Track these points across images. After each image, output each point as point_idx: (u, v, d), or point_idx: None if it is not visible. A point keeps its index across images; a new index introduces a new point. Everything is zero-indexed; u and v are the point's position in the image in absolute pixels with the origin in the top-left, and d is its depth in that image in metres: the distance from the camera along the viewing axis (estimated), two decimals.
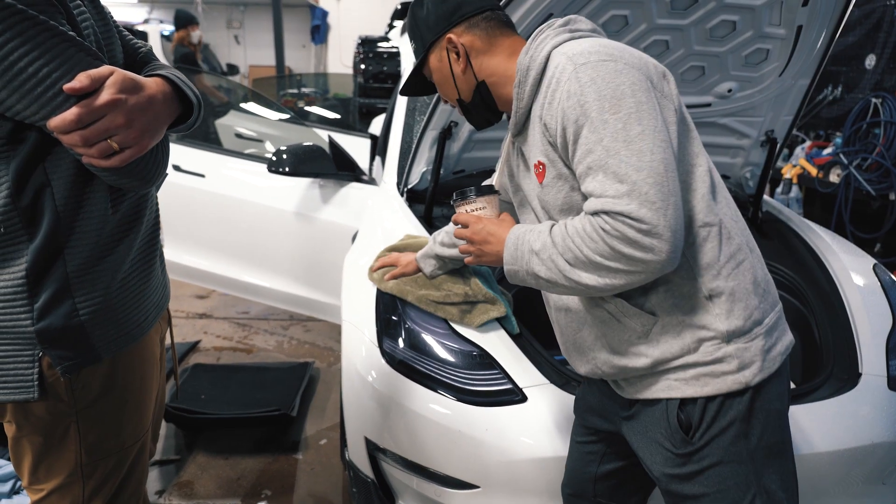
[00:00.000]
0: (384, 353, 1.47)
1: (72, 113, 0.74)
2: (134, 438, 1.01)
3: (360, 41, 5.72)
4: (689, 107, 1.94)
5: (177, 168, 2.73)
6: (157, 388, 1.07)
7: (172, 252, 2.82)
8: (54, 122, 0.75)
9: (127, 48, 0.98)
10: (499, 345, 1.41)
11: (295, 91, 6.90)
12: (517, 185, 1.12)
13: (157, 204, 1.05)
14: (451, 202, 1.10)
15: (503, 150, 1.19)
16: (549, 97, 0.94)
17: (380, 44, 5.36)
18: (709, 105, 1.92)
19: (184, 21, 4.99)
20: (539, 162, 0.99)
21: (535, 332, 1.49)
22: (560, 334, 1.14)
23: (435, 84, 1.15)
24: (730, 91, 1.87)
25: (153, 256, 1.01)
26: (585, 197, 0.90)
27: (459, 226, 1.08)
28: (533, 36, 1.01)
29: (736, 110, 1.96)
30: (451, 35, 1.06)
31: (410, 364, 1.42)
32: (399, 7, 6.40)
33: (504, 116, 1.15)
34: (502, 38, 1.07)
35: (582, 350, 1.08)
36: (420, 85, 1.19)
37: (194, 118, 0.96)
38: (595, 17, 1.61)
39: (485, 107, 1.10)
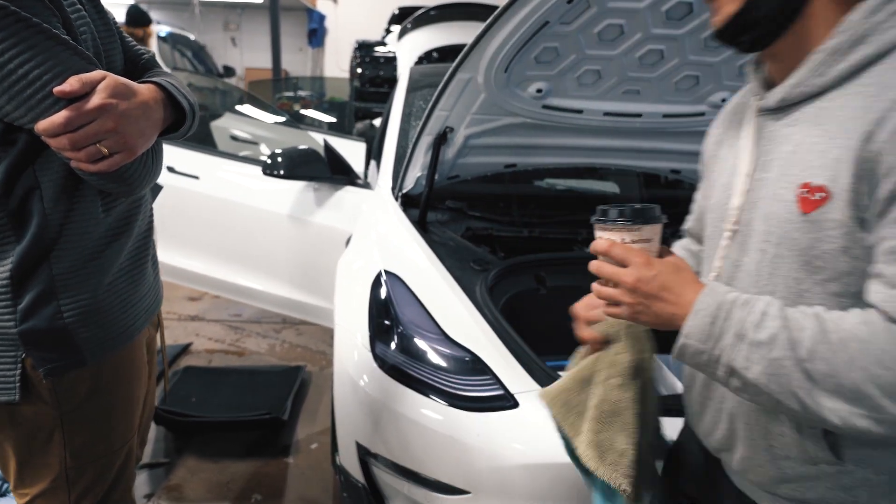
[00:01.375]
0: (376, 358, 1.47)
1: (60, 116, 0.74)
2: (121, 443, 1.00)
3: (356, 45, 5.73)
4: (682, 116, 1.96)
5: (171, 169, 2.72)
6: (145, 393, 1.06)
7: (165, 253, 2.80)
8: (42, 125, 0.75)
9: (129, 53, 0.98)
10: (491, 350, 1.41)
11: (291, 94, 6.90)
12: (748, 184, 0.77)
13: (151, 209, 1.04)
14: (594, 221, 0.79)
15: (713, 138, 0.88)
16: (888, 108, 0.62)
17: (376, 48, 5.36)
18: (703, 114, 1.93)
19: (145, 20, 4.83)
20: (820, 186, 0.66)
21: (526, 337, 1.49)
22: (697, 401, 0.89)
23: None
24: (723, 101, 1.89)
25: (144, 260, 1.00)
26: (866, 275, 0.64)
27: (605, 258, 0.76)
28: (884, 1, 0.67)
29: None
30: None
31: (402, 369, 1.42)
32: (396, 12, 6.41)
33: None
34: None
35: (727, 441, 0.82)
36: None
37: (187, 126, 0.96)
38: (591, 26, 1.62)
39: (776, 25, 0.72)
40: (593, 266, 0.78)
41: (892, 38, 0.65)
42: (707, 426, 0.85)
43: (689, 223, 1.04)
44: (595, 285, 0.79)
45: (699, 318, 0.69)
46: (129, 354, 0.98)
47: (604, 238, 0.77)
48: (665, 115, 1.93)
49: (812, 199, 0.67)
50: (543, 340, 1.68)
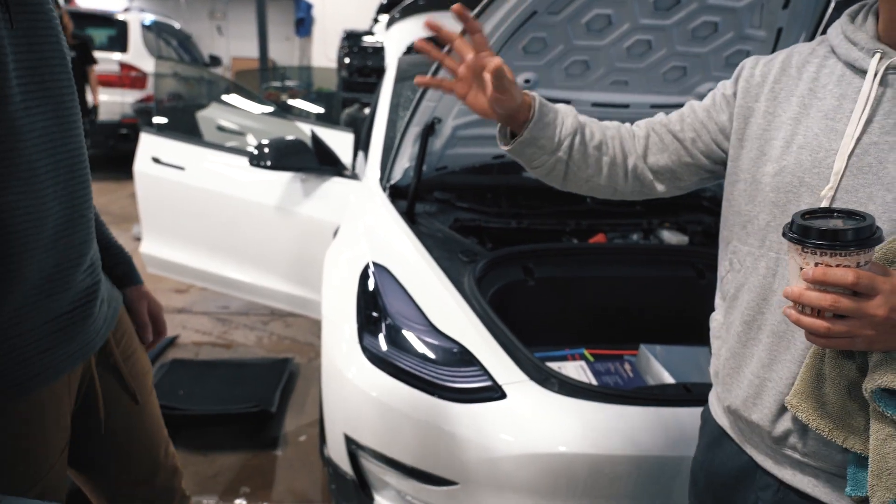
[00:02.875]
0: (364, 350, 1.47)
1: None
2: (21, 487, 0.88)
3: (344, 35, 5.68)
4: (669, 107, 1.96)
5: (156, 160, 2.69)
6: (61, 439, 0.94)
7: (151, 246, 2.78)
8: None
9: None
10: (479, 341, 1.41)
11: (278, 84, 6.84)
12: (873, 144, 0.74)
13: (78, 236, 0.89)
14: (803, 242, 0.65)
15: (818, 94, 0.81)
16: None
17: (364, 38, 5.32)
18: None
19: None
20: None
21: (514, 328, 1.49)
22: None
23: None
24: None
25: (54, 299, 0.87)
26: None
27: (831, 288, 0.64)
28: None
29: None
30: None
31: (390, 361, 1.42)
32: (385, 1, 6.35)
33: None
34: None
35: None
36: None
37: None
38: (579, 16, 1.61)
39: None
40: (818, 300, 0.64)
41: None
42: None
43: (668, 120, 0.99)
44: (812, 321, 0.66)
45: None
46: (35, 399, 0.87)
47: (833, 266, 0.63)
48: (653, 106, 1.93)
49: None
50: (531, 331, 1.69)
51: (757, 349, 0.85)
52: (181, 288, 3.51)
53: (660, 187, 1.01)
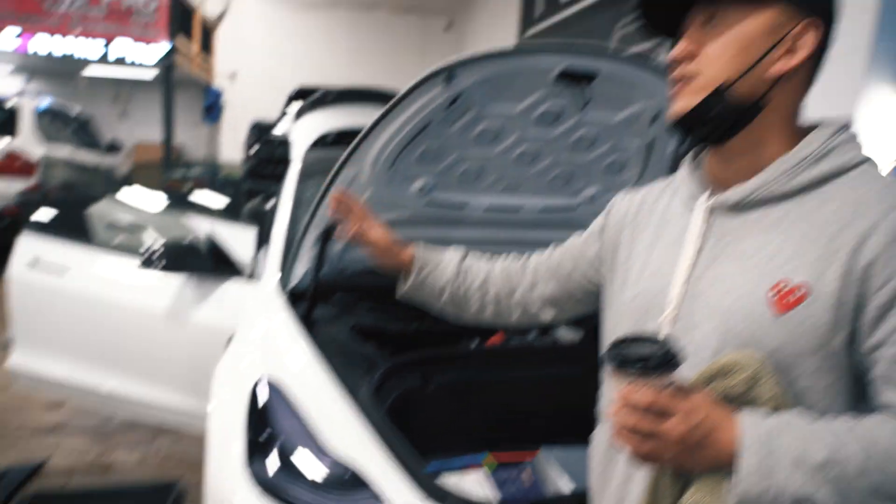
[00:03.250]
0: (252, 475, 1.36)
1: None
2: None
3: (252, 125, 5.66)
4: (558, 209, 2.07)
5: (35, 264, 2.49)
6: None
7: (23, 359, 2.52)
8: None
9: None
10: (373, 461, 1.34)
11: (182, 174, 6.66)
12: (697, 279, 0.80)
13: None
14: (617, 365, 0.68)
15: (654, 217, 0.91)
16: (869, 221, 0.69)
17: (273, 129, 5.33)
18: (575, 209, 2.06)
19: None
20: (798, 286, 0.70)
21: (413, 437, 1.44)
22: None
23: (710, 37, 0.76)
24: (594, 196, 2.02)
25: None
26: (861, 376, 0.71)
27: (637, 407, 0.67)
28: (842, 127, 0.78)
29: (601, 212, 2.11)
30: (814, 22, 0.74)
31: (279, 488, 1.32)
32: (294, 93, 6.45)
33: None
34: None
35: None
36: (676, 16, 0.79)
37: None
38: (468, 129, 1.70)
39: (730, 125, 0.77)
40: (623, 420, 0.67)
41: (850, 159, 0.74)
42: None
43: (553, 253, 1.11)
44: (623, 439, 0.69)
45: (752, 453, 0.66)
46: None
47: (638, 389, 0.67)
48: (542, 209, 2.04)
49: (788, 300, 0.71)
50: (432, 439, 1.64)
51: (617, 466, 0.88)
52: (56, 402, 3.15)
53: (545, 316, 1.10)
